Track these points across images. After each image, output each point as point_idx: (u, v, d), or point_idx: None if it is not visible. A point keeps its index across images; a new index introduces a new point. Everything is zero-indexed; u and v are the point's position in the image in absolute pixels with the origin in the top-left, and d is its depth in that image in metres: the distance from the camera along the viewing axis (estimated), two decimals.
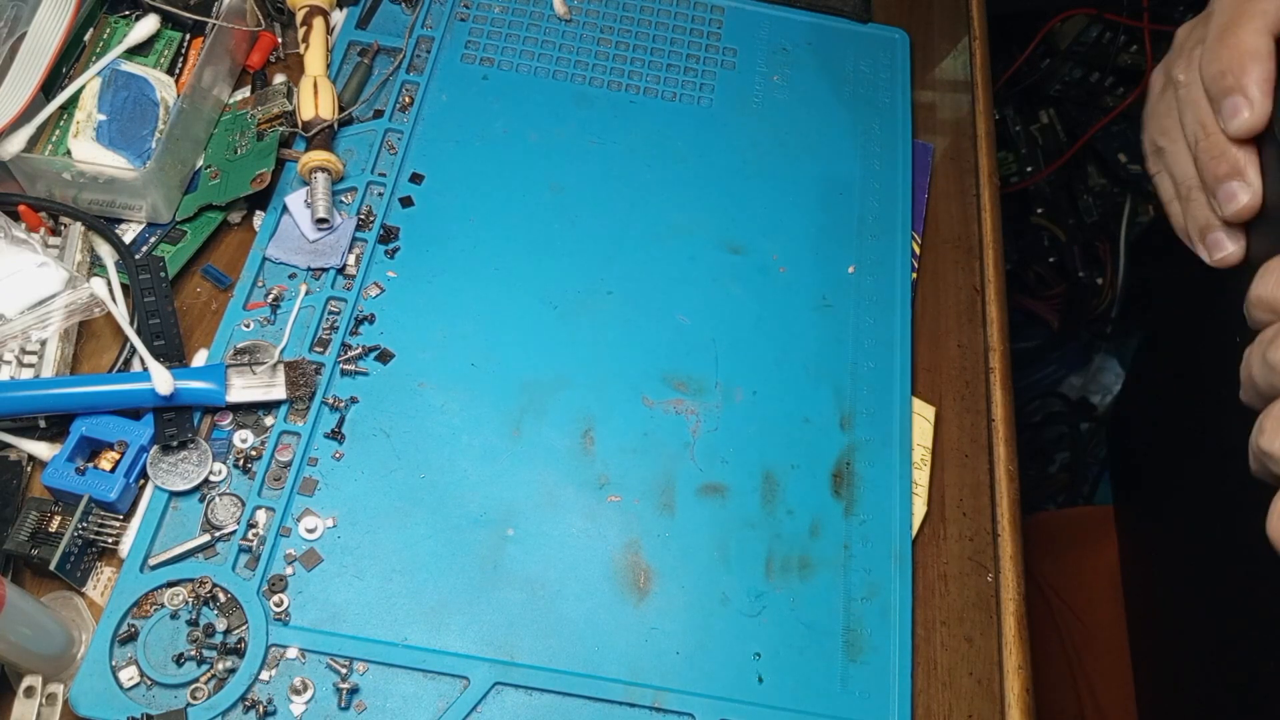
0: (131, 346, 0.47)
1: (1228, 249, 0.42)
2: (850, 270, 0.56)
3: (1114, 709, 0.66)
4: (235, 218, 0.53)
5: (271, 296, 0.50)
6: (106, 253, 0.50)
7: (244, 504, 0.45)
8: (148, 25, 0.53)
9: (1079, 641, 0.69)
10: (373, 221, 0.53)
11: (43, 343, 0.46)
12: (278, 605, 0.43)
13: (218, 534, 0.44)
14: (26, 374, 0.46)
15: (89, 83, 0.51)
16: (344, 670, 0.42)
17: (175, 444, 0.45)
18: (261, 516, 0.45)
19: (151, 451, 0.45)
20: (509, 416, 0.49)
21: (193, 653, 0.41)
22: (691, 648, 0.45)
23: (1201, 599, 0.49)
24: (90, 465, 0.44)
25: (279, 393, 0.47)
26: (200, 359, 0.48)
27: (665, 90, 0.61)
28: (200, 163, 0.54)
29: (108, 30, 0.54)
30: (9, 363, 0.46)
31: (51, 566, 0.41)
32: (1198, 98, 0.42)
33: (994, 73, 0.73)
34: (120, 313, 0.47)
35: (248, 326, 0.49)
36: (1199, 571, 0.50)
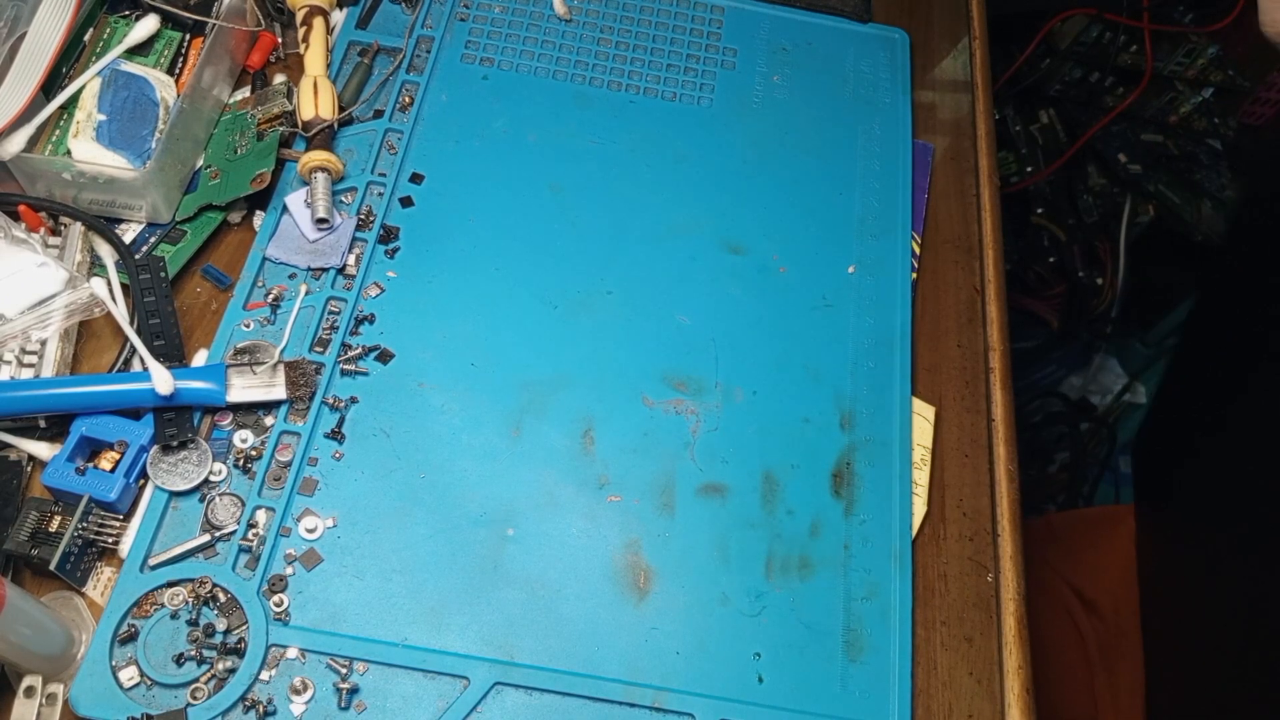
0: (131, 346, 0.47)
1: None
2: (850, 270, 0.56)
3: (1127, 709, 0.66)
4: (235, 218, 0.53)
5: (271, 296, 0.50)
6: (106, 253, 0.50)
7: (244, 504, 0.45)
8: (148, 25, 0.53)
9: (1101, 641, 0.69)
10: (373, 221, 0.53)
11: (43, 343, 0.46)
12: (278, 605, 0.43)
13: (218, 534, 0.44)
14: (26, 374, 0.46)
15: (89, 83, 0.51)
16: (344, 670, 0.42)
17: (175, 444, 0.45)
18: (261, 516, 0.45)
19: (151, 451, 0.45)
20: (509, 416, 0.49)
21: (193, 653, 0.41)
22: (691, 648, 0.45)
23: (1224, 608, 0.49)
24: (90, 465, 0.44)
25: (279, 393, 0.47)
26: (200, 359, 0.48)
27: (665, 90, 0.61)
28: (200, 163, 0.54)
29: (108, 30, 0.54)
30: (9, 363, 0.46)
31: (51, 566, 0.41)
32: None
33: (994, 73, 0.73)
34: (120, 313, 0.47)
35: (248, 326, 0.49)
36: (1224, 581, 0.50)
